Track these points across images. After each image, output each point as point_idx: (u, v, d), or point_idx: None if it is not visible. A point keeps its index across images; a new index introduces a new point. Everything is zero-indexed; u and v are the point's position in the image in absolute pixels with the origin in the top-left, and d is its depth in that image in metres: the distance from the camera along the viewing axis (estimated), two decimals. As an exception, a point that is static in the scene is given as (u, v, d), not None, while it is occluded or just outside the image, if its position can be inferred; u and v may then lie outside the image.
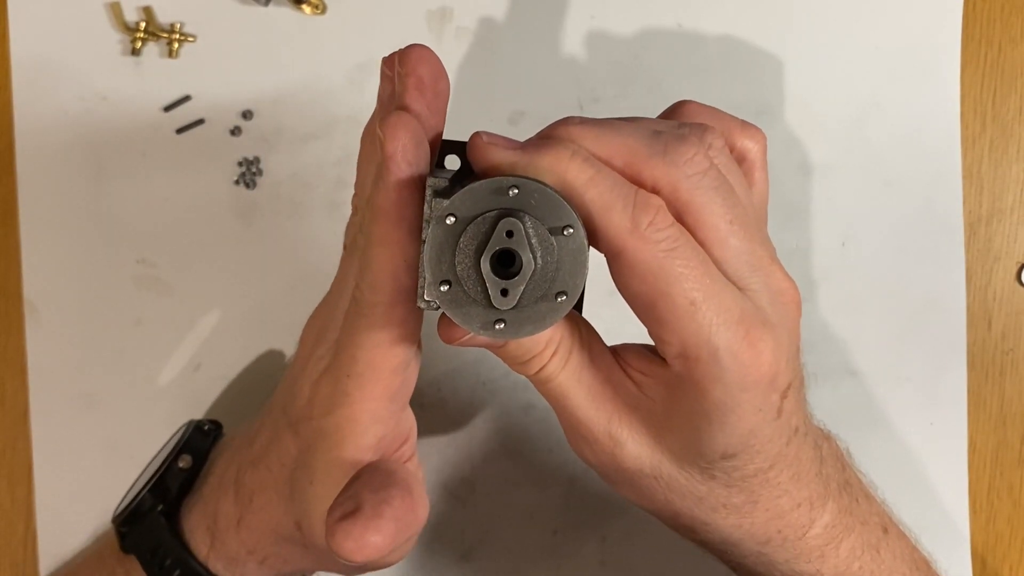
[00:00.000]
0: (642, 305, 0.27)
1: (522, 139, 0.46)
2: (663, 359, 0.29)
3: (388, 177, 0.27)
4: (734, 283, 0.28)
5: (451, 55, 0.48)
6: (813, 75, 0.48)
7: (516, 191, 0.26)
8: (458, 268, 0.26)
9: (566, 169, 0.26)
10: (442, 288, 0.27)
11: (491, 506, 0.48)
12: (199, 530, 0.38)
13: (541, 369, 0.29)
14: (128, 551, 0.40)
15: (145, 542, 0.39)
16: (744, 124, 0.31)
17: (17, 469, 0.49)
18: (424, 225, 0.28)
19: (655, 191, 0.27)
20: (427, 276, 0.27)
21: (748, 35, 0.48)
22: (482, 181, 0.26)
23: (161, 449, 0.42)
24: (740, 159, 0.30)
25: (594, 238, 0.27)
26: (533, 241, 0.26)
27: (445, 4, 0.49)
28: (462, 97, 0.48)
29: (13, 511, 0.48)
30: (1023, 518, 0.47)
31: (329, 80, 0.49)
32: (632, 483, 0.31)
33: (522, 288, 0.26)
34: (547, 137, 0.28)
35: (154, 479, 0.40)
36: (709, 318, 0.26)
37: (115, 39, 0.49)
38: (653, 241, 0.26)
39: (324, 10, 0.49)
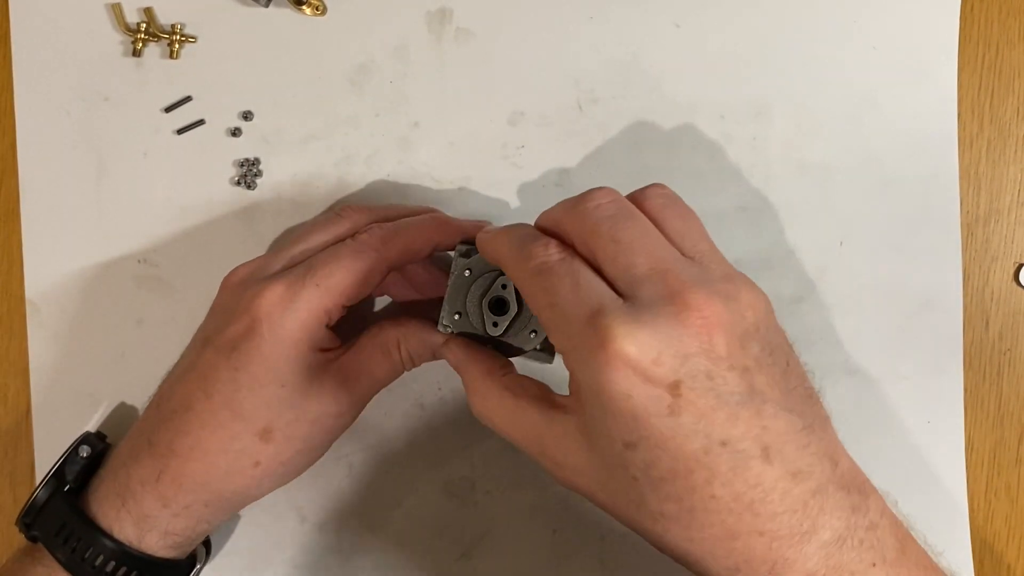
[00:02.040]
0: (539, 317, 0.35)
1: (522, 140, 0.47)
2: None
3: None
4: (621, 294, 0.32)
5: (451, 55, 0.49)
6: (811, 75, 0.48)
7: None
8: (468, 305, 0.40)
9: (487, 239, 0.38)
10: (455, 316, 0.40)
11: (491, 506, 0.48)
12: (107, 500, 0.41)
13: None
14: (35, 540, 0.41)
15: (50, 526, 0.41)
16: (641, 189, 0.37)
17: (18, 469, 0.49)
18: (450, 274, 0.40)
19: (565, 237, 0.35)
20: (446, 308, 0.40)
21: (747, 35, 0.48)
22: None
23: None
24: (645, 208, 0.35)
25: None
26: (517, 295, 0.39)
27: (445, 4, 0.49)
28: (462, 97, 0.49)
29: (14, 510, 0.48)
30: (1021, 517, 0.47)
31: (329, 80, 0.49)
32: (586, 489, 0.35)
33: (507, 323, 0.39)
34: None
35: (52, 471, 0.42)
36: (564, 313, 0.32)
37: (116, 40, 0.49)
38: (527, 266, 0.34)
39: (324, 10, 0.49)
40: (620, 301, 0.31)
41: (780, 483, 0.30)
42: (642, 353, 0.30)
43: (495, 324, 0.39)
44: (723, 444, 0.30)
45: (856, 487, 0.32)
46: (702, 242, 0.35)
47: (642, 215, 0.34)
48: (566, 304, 0.32)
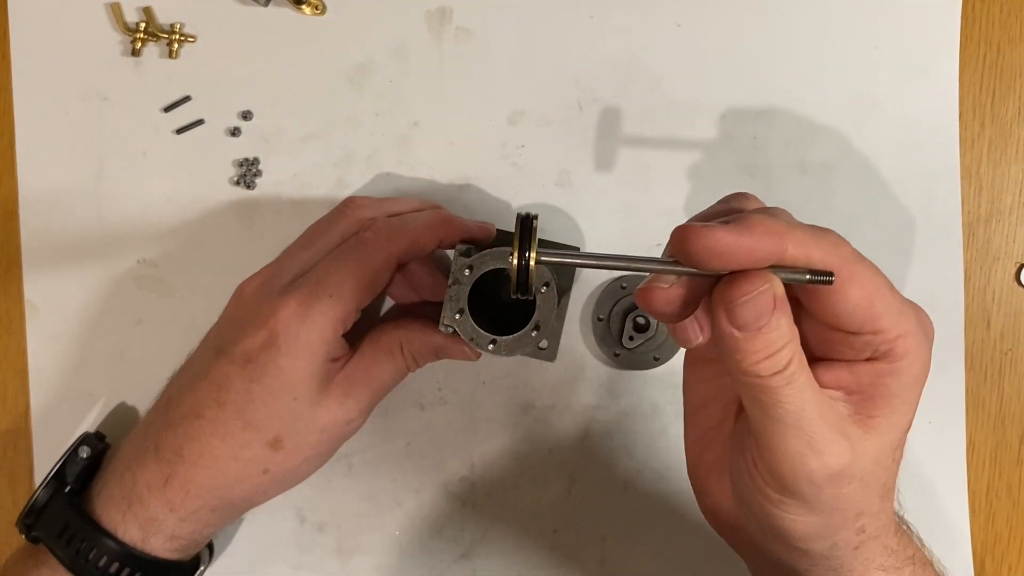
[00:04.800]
0: (859, 320, 0.30)
1: (522, 140, 0.47)
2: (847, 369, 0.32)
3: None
4: None
5: (451, 55, 0.49)
6: (812, 75, 0.48)
7: None
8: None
9: (773, 228, 0.29)
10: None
11: (491, 506, 0.48)
12: (112, 502, 0.41)
13: (786, 366, 0.29)
14: (36, 541, 0.41)
15: (53, 525, 0.41)
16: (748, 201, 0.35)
17: (17, 469, 0.49)
18: (451, 274, 0.40)
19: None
20: (449, 308, 0.40)
21: (747, 35, 0.48)
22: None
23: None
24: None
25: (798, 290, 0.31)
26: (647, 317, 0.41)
27: (445, 4, 0.49)
28: (462, 97, 0.48)
29: (14, 510, 0.48)
30: (1022, 518, 0.47)
31: (329, 80, 0.49)
32: (816, 498, 0.31)
33: (641, 342, 0.42)
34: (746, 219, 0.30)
35: (53, 472, 0.42)
36: (907, 325, 0.30)
37: (115, 40, 0.49)
38: (854, 262, 0.30)
39: (324, 10, 0.49)
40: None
41: None
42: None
43: (631, 338, 0.46)
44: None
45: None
46: None
47: None
48: (912, 321, 0.31)
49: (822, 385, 0.31)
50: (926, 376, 0.32)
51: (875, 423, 0.31)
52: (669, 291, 0.30)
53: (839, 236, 0.30)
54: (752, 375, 0.29)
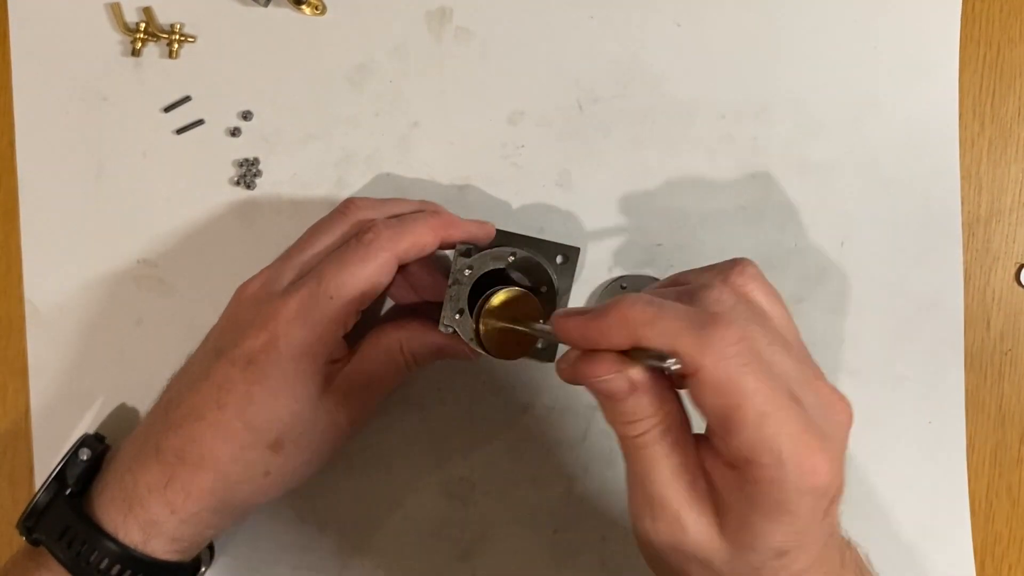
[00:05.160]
0: (716, 417, 0.30)
1: (522, 140, 0.47)
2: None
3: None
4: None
5: (451, 55, 0.49)
6: (812, 75, 0.48)
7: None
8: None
9: (630, 316, 0.30)
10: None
11: (491, 506, 0.48)
12: (113, 505, 0.41)
13: (642, 435, 0.32)
14: (36, 543, 0.41)
15: (54, 528, 0.41)
16: (732, 270, 0.34)
17: (17, 469, 0.49)
18: (451, 274, 0.40)
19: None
20: (449, 308, 0.40)
21: (747, 35, 0.48)
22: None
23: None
24: (751, 298, 0.34)
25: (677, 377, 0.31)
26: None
27: (445, 4, 0.49)
28: (462, 97, 0.49)
29: (14, 511, 0.48)
30: (1022, 518, 0.47)
31: (329, 80, 0.49)
32: (678, 566, 0.33)
33: None
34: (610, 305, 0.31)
35: (53, 474, 0.42)
36: (776, 429, 0.29)
37: (115, 40, 0.49)
38: (725, 357, 0.29)
39: (324, 10, 0.49)
40: (808, 414, 0.30)
41: (834, 554, 0.34)
42: (835, 472, 0.30)
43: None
44: (831, 535, 0.33)
45: (845, 544, 0.36)
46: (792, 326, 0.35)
47: (769, 323, 0.33)
48: (781, 416, 0.29)
49: (702, 460, 0.32)
50: (813, 506, 0.30)
51: (729, 525, 0.31)
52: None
53: (737, 329, 0.29)
54: (613, 426, 0.32)
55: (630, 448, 0.32)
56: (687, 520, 0.32)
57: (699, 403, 0.30)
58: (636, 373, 0.31)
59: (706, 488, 0.32)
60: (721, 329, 0.29)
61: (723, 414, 0.30)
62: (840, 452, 0.31)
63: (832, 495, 0.31)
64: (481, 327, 0.40)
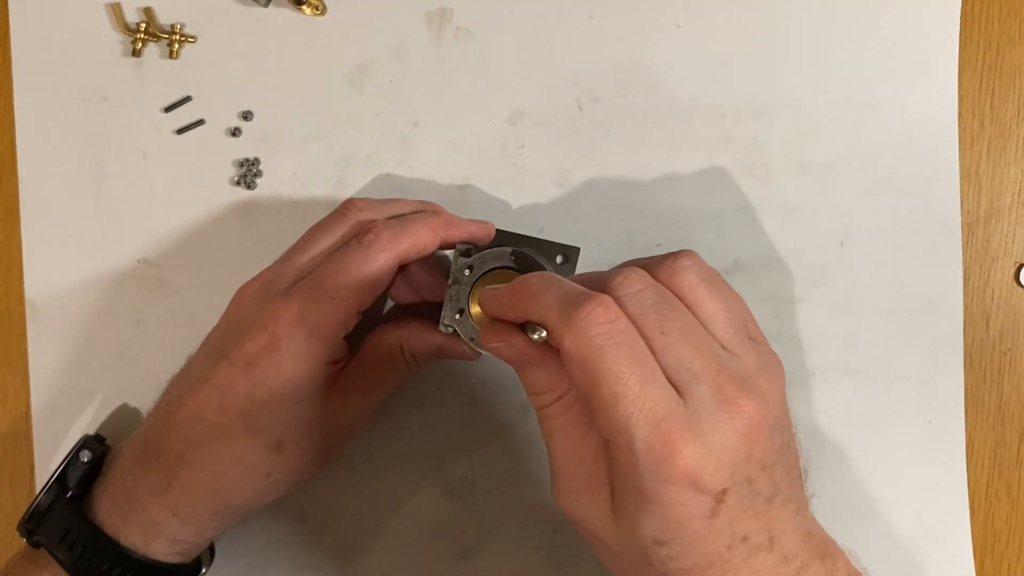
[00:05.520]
0: (583, 395, 0.31)
1: (522, 140, 0.47)
2: None
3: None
4: (675, 387, 0.31)
5: (451, 55, 0.49)
6: (811, 75, 0.48)
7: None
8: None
9: (522, 291, 0.33)
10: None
11: (491, 506, 0.48)
12: (114, 507, 0.41)
13: (544, 407, 0.34)
14: (37, 545, 0.41)
15: (55, 530, 0.41)
16: (666, 259, 0.34)
17: (18, 469, 0.49)
18: (451, 274, 0.40)
19: None
20: (449, 308, 0.40)
21: (747, 35, 0.48)
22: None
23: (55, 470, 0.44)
24: (676, 288, 0.34)
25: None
26: None
27: (445, 4, 0.49)
28: (462, 97, 0.49)
29: (14, 511, 0.48)
30: (1021, 517, 0.47)
31: (329, 80, 0.49)
32: (588, 540, 0.34)
33: None
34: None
35: (54, 476, 0.42)
36: (630, 411, 0.30)
37: (116, 40, 0.49)
38: (585, 336, 0.30)
39: (324, 11, 0.49)
40: (682, 405, 0.30)
41: (777, 567, 0.32)
42: (703, 467, 0.30)
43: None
44: (744, 540, 0.31)
45: (828, 553, 0.34)
46: (732, 326, 0.34)
47: (682, 304, 0.33)
48: (633, 399, 0.30)
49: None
50: (681, 499, 0.30)
51: (616, 507, 0.32)
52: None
53: (607, 311, 0.30)
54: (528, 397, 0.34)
55: (539, 420, 0.34)
56: (582, 498, 0.33)
57: (572, 379, 0.32)
58: (519, 342, 0.33)
59: (606, 469, 0.32)
60: (588, 308, 0.30)
61: (585, 392, 0.31)
62: (724, 454, 0.30)
63: (712, 491, 0.30)
64: (472, 310, 0.40)
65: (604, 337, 0.30)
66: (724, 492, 0.31)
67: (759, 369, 0.33)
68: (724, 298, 0.34)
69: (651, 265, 0.34)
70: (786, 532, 0.32)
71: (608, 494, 0.32)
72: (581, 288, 0.32)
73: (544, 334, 0.32)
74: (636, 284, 0.32)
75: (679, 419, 0.30)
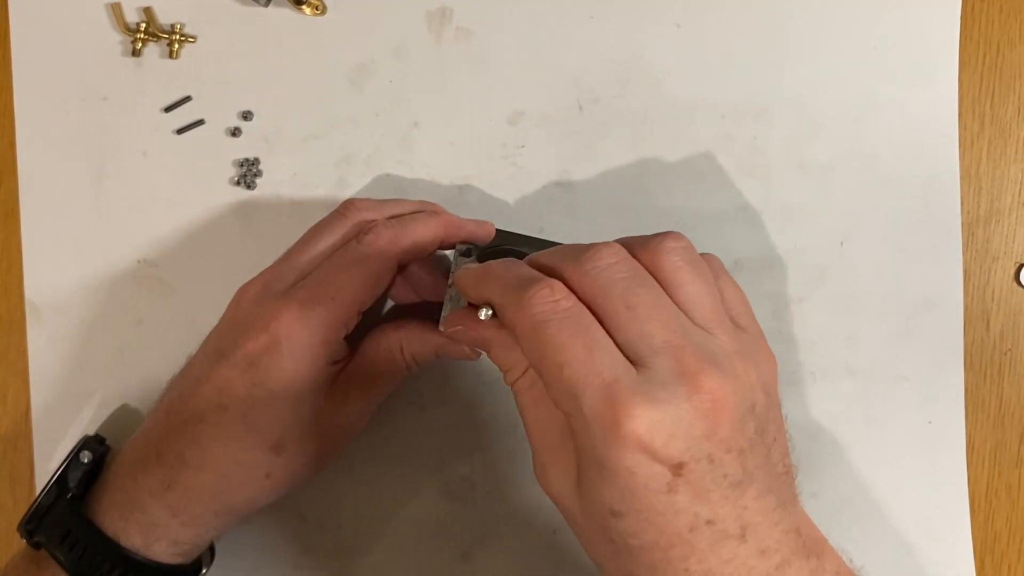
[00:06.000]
0: (535, 369, 0.33)
1: (522, 140, 0.47)
2: None
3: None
4: (633, 361, 0.31)
5: (451, 55, 0.49)
6: (812, 75, 0.48)
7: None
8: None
9: (486, 272, 0.35)
10: None
11: (491, 506, 0.48)
12: (114, 508, 0.41)
13: (512, 382, 0.35)
14: (37, 546, 0.41)
15: (56, 531, 0.41)
16: (652, 238, 0.34)
17: (18, 469, 0.49)
18: (451, 274, 0.41)
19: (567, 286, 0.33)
20: (448, 308, 0.40)
21: (747, 35, 0.48)
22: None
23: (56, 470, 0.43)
24: (657, 269, 0.34)
25: None
26: None
27: (445, 4, 0.49)
28: (462, 97, 0.49)
29: (14, 511, 0.48)
30: (1021, 517, 0.47)
31: (329, 80, 0.49)
32: (562, 513, 0.34)
33: None
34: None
35: (54, 477, 0.42)
36: (575, 378, 0.30)
37: (116, 40, 0.49)
38: (529, 313, 0.32)
39: (324, 10, 0.49)
40: (634, 372, 0.31)
41: (750, 560, 0.31)
42: (654, 434, 0.30)
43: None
44: (709, 523, 0.31)
45: (816, 552, 0.33)
46: (713, 310, 0.34)
47: (654, 281, 0.33)
48: (578, 367, 0.30)
49: None
50: (635, 468, 0.30)
51: (580, 478, 0.32)
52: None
53: (552, 290, 0.32)
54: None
55: (513, 395, 0.35)
56: (552, 472, 0.33)
57: (526, 356, 0.33)
58: (470, 323, 0.36)
59: (572, 443, 0.32)
60: (533, 289, 0.32)
61: (535, 366, 0.32)
62: (679, 426, 0.30)
63: (668, 463, 0.30)
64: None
65: (545, 314, 0.31)
66: (681, 466, 0.30)
67: (735, 351, 0.33)
68: (707, 283, 0.34)
69: (635, 243, 0.34)
70: (763, 525, 0.32)
71: (574, 466, 0.32)
72: (535, 273, 0.34)
73: (490, 312, 0.34)
74: (608, 258, 0.33)
75: (628, 384, 0.30)
